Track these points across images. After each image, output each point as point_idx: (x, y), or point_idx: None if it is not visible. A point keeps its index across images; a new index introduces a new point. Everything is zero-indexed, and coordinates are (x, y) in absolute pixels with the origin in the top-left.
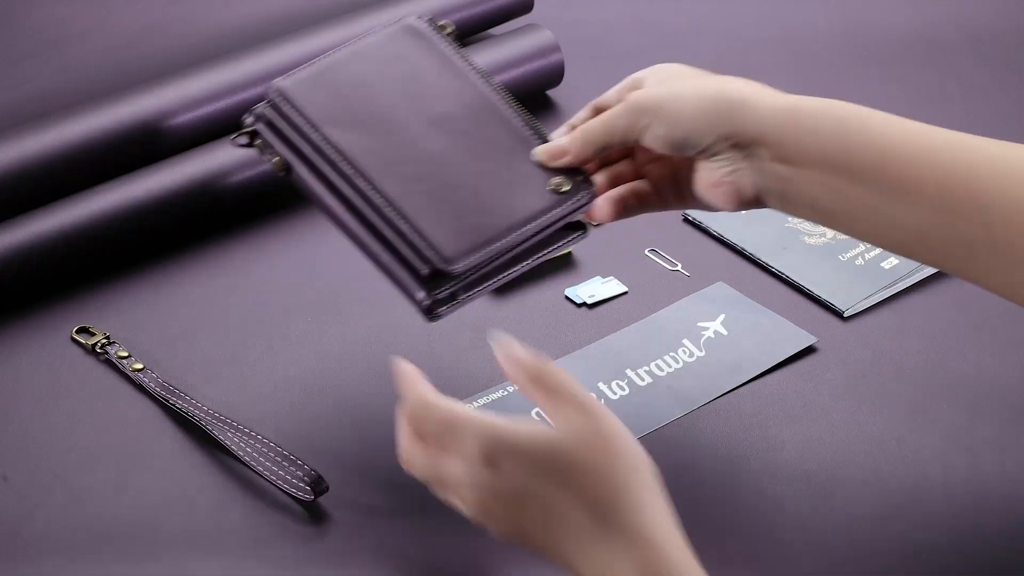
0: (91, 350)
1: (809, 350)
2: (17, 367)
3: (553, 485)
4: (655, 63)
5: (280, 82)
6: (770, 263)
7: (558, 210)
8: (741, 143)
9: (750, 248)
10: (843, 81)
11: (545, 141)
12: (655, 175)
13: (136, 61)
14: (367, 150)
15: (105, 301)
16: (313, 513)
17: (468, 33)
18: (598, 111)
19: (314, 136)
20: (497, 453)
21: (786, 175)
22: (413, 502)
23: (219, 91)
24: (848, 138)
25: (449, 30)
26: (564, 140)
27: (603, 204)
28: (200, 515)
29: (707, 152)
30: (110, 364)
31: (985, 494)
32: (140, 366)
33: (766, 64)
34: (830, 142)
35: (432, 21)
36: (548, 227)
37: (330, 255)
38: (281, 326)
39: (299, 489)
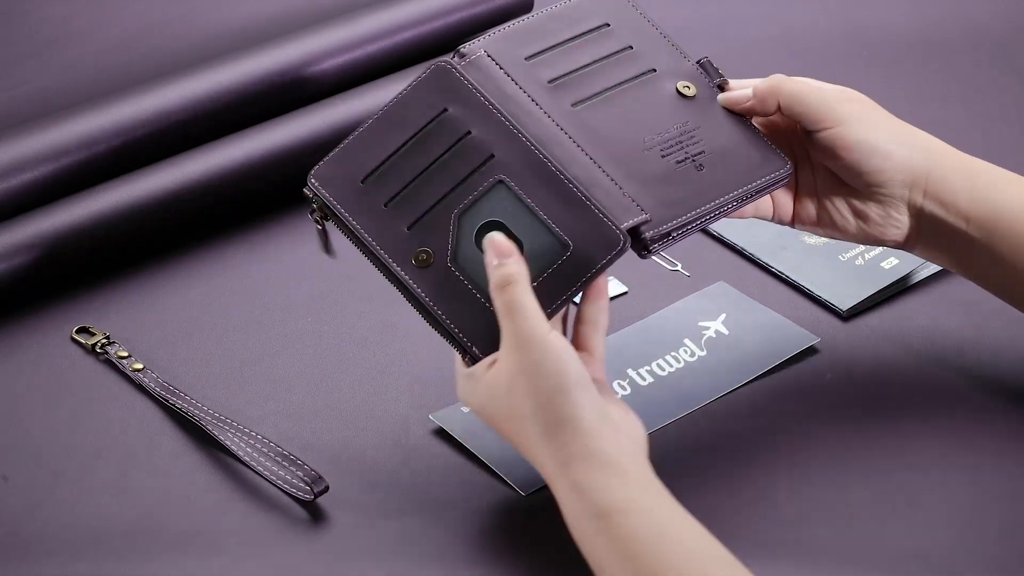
0: (91, 350)
1: (809, 350)
2: (17, 367)
3: (501, 408)
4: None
5: (315, 172)
6: (770, 263)
7: (754, 184)
8: (905, 188)
9: (750, 248)
10: (843, 81)
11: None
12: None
13: (136, 61)
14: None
15: (105, 301)
16: (313, 513)
17: (467, 33)
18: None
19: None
20: (476, 372)
21: (938, 214)
22: (413, 502)
23: (219, 91)
24: (988, 197)
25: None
26: (748, 89)
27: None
28: (200, 515)
29: (882, 191)
30: (110, 364)
31: (984, 494)
32: (140, 366)
33: (766, 64)
34: (977, 200)
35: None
36: (747, 198)
37: (330, 256)
38: (281, 326)
39: (299, 489)
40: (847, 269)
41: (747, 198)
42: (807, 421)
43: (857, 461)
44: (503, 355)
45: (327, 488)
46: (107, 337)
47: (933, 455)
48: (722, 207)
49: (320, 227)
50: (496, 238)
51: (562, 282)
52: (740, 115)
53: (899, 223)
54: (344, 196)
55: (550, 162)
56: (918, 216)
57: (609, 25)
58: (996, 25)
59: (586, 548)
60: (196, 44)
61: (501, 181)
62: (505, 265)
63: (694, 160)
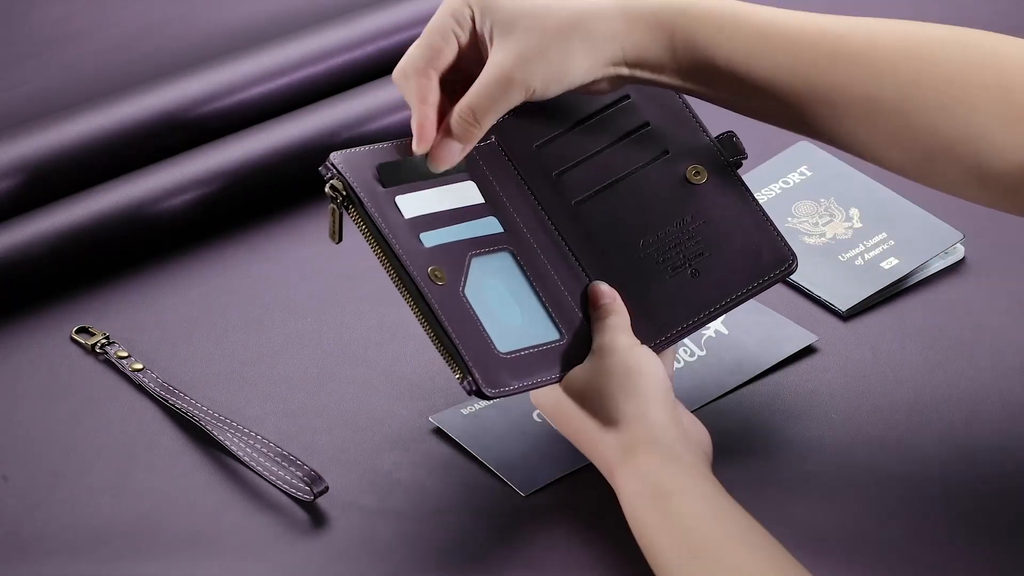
0: (91, 350)
1: (809, 350)
2: (17, 367)
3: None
4: None
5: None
6: None
7: (751, 287)
8: (608, 69)
9: None
10: None
11: None
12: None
13: (136, 61)
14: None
15: (105, 301)
16: (313, 513)
17: None
18: (437, 75)
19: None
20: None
21: (649, 79)
22: (413, 503)
23: (219, 91)
24: (701, 51)
25: None
26: (447, 142)
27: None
28: (200, 515)
29: (584, 84)
30: (110, 364)
31: (985, 494)
32: (140, 366)
33: None
34: (686, 57)
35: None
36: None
37: (330, 255)
38: (281, 326)
39: (299, 489)
40: (847, 269)
41: (743, 300)
42: (807, 421)
43: (857, 461)
44: (588, 360)
45: (327, 488)
46: (107, 337)
47: (933, 455)
48: (712, 315)
49: (337, 210)
50: (603, 287)
51: (538, 364)
52: (749, 200)
53: (609, 87)
54: (372, 190)
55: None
56: (626, 78)
57: (630, 97)
58: (996, 25)
59: (641, 530)
60: (196, 44)
61: (509, 251)
62: (615, 302)
63: (691, 265)
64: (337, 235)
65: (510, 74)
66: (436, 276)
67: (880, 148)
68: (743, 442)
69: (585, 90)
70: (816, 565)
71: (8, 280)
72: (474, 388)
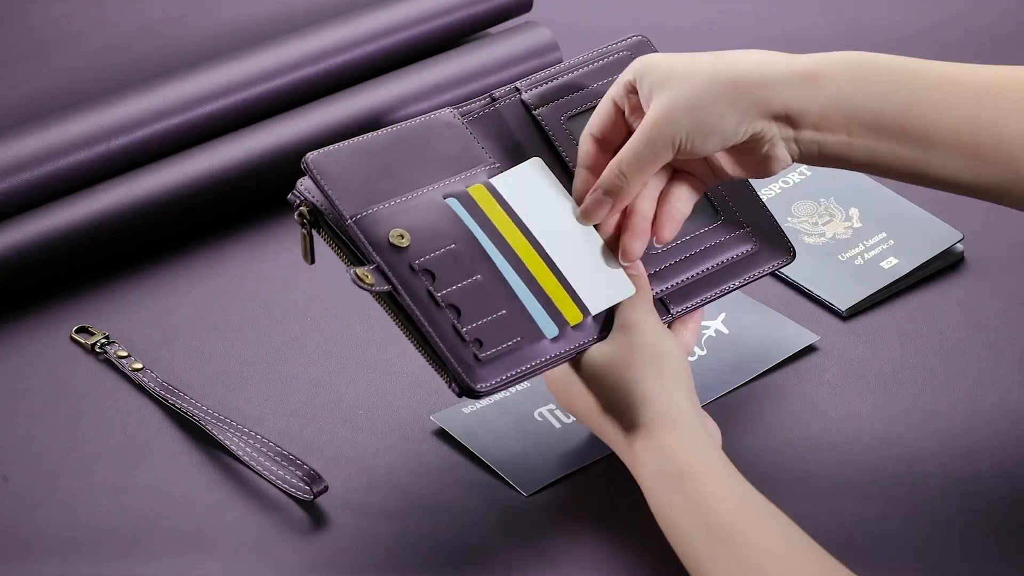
0: (90, 350)
1: (809, 349)
2: (17, 367)
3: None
4: None
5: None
6: None
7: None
8: (769, 125)
9: None
10: None
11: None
12: (689, 168)
13: (136, 61)
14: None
15: (105, 301)
16: (313, 513)
17: (467, 32)
18: (600, 142)
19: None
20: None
21: (816, 139)
22: (413, 502)
23: (219, 91)
24: (870, 100)
25: None
26: (596, 194)
27: (667, 223)
28: (200, 515)
29: (740, 140)
30: (109, 364)
31: (984, 494)
32: (139, 366)
33: None
34: (853, 108)
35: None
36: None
37: (330, 255)
38: (281, 326)
39: (299, 489)
40: (846, 269)
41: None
42: (807, 421)
43: (857, 461)
44: (613, 334)
45: (327, 488)
46: (107, 337)
47: (933, 455)
48: (708, 299)
49: (308, 234)
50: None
51: (525, 352)
52: (749, 188)
53: (784, 154)
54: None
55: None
56: (795, 141)
57: None
58: (996, 25)
59: (661, 508)
60: (196, 44)
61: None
62: (642, 278)
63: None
64: (310, 257)
65: (652, 129)
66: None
67: None
68: (743, 442)
69: (758, 160)
70: None
71: (8, 280)
72: (462, 388)
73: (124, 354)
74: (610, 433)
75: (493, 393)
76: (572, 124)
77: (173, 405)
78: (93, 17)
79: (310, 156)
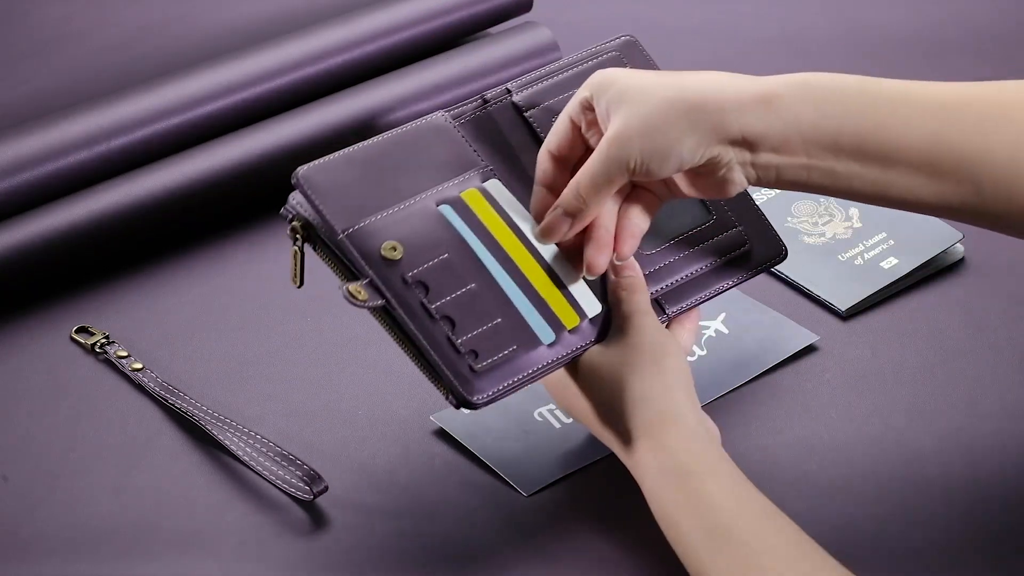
0: (90, 350)
1: (809, 349)
2: (17, 367)
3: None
4: (653, 63)
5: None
6: None
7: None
8: (726, 149)
9: None
10: None
11: None
12: (646, 185)
13: (136, 61)
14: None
15: (105, 301)
16: (312, 513)
17: (467, 32)
18: (557, 159)
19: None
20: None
21: (774, 162)
22: (413, 502)
23: (219, 91)
24: (827, 121)
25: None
26: (556, 213)
27: (627, 239)
28: (200, 515)
29: (697, 164)
30: (109, 364)
31: (984, 494)
32: (139, 366)
33: (766, 64)
34: (810, 129)
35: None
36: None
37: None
38: (281, 326)
39: (298, 489)
40: (846, 269)
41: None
42: (807, 421)
43: (857, 461)
44: (614, 334)
45: (326, 488)
46: (106, 337)
47: (933, 455)
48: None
49: (300, 252)
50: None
51: (521, 360)
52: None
53: (741, 178)
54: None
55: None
56: (752, 165)
57: None
58: (996, 25)
59: (661, 507)
60: (196, 44)
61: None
62: (639, 278)
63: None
64: (299, 278)
65: (607, 152)
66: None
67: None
68: (743, 442)
69: (714, 183)
70: None
71: (8, 280)
72: (459, 401)
73: (124, 354)
74: (609, 433)
75: (491, 403)
76: None
77: (173, 405)
78: (93, 17)
79: (300, 171)
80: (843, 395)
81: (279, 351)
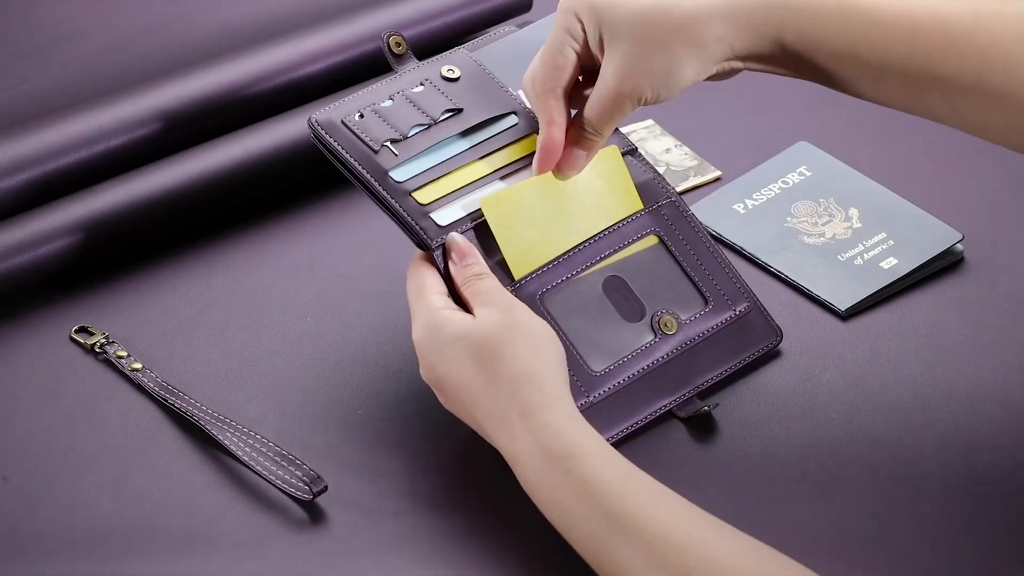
0: (90, 350)
1: (809, 349)
2: (16, 367)
3: (463, 364)
4: None
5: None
6: (769, 263)
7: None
8: (722, 64)
9: (750, 248)
10: None
11: None
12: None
13: (136, 61)
14: None
15: (105, 301)
16: (312, 513)
17: (467, 32)
18: (554, 94)
19: None
20: (434, 339)
21: (767, 69)
22: (413, 502)
23: (219, 90)
24: (804, 45)
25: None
26: (573, 151)
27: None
28: (199, 515)
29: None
30: (109, 364)
31: (984, 493)
32: (139, 366)
33: None
34: (793, 44)
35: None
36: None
37: (330, 255)
38: (281, 326)
39: (298, 489)
40: (846, 269)
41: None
42: (807, 421)
43: (857, 461)
44: (481, 312)
45: (326, 488)
46: (106, 337)
47: (933, 455)
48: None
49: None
50: (458, 239)
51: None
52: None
53: (739, 66)
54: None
55: None
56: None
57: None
58: None
59: (548, 495)
60: (196, 44)
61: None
62: (473, 266)
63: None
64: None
65: (618, 88)
66: None
67: (996, 131)
68: (743, 442)
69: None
70: (816, 565)
71: (8, 280)
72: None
73: (124, 354)
74: (484, 409)
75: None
76: None
77: (172, 405)
78: (93, 17)
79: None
80: (843, 395)
81: (279, 351)
